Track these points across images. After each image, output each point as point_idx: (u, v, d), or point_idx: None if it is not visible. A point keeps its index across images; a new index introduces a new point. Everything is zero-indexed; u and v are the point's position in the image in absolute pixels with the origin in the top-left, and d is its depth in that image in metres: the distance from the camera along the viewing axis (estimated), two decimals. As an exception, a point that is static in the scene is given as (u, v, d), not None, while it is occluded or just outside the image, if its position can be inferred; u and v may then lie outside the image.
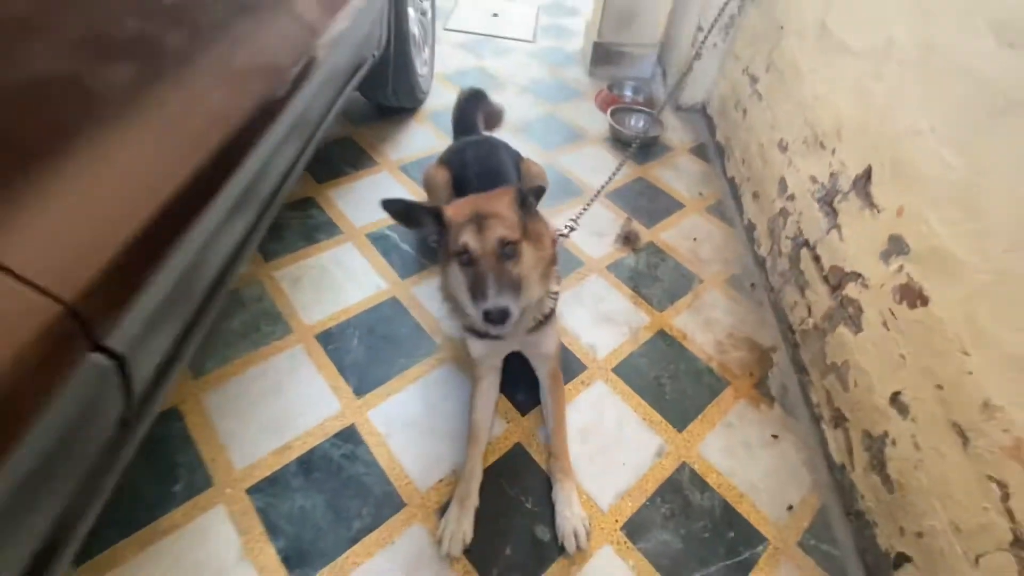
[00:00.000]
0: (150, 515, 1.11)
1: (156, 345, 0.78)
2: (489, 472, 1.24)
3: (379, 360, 1.42)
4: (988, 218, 0.95)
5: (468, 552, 1.11)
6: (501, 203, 1.14)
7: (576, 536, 1.13)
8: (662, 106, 2.07)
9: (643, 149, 2.26)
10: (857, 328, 1.26)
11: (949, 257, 1.02)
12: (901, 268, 1.14)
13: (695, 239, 1.88)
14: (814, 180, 1.51)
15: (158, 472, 1.17)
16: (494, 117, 2.08)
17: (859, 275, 1.27)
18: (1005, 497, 0.87)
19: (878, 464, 1.14)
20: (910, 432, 1.07)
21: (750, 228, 1.86)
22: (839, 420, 1.28)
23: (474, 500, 1.17)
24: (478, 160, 1.65)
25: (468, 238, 1.08)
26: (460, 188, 1.63)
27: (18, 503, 0.53)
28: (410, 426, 1.30)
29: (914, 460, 1.06)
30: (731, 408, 1.41)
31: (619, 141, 2.31)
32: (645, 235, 1.87)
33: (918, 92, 1.17)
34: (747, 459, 1.31)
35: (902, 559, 1.06)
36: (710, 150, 2.31)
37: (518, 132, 2.31)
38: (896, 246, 1.17)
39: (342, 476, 1.20)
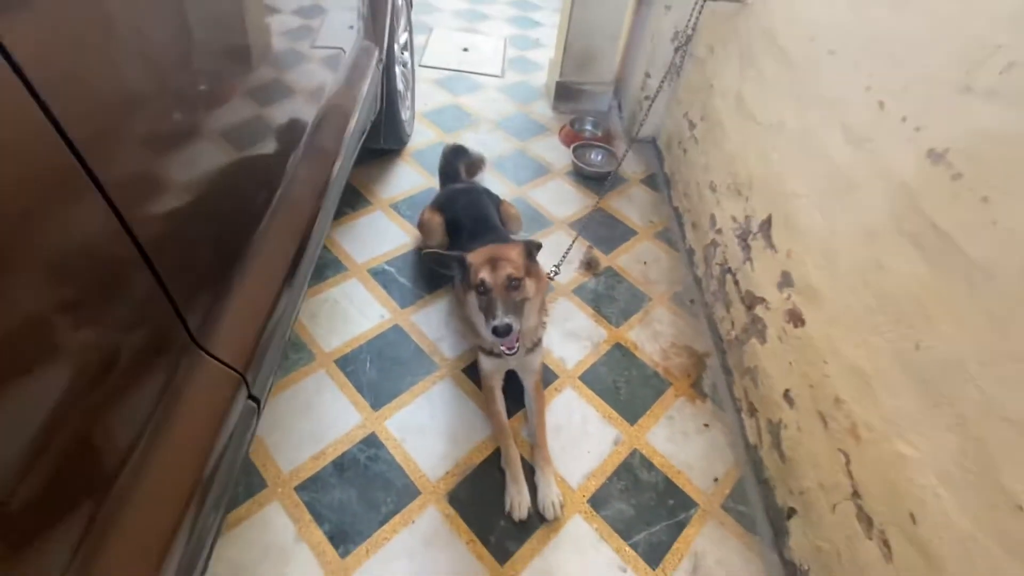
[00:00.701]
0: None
1: (265, 385, 1.10)
2: (484, 464, 1.58)
3: (390, 379, 1.74)
4: (838, 266, 1.34)
5: (472, 524, 1.45)
6: (512, 251, 1.54)
7: (553, 507, 1.49)
8: (621, 159, 2.42)
9: (602, 181, 2.62)
10: (763, 340, 1.64)
11: (816, 291, 1.41)
12: (789, 297, 1.53)
13: (645, 263, 2.25)
14: (735, 219, 1.89)
15: (221, 478, 1.47)
16: (475, 166, 2.44)
17: (764, 299, 1.66)
18: (847, 463, 1.25)
19: (776, 443, 1.53)
20: (795, 419, 1.46)
21: (690, 252, 2.24)
22: (752, 411, 1.67)
23: (521, 475, 1.53)
24: (467, 207, 1.98)
25: (485, 274, 1.48)
26: (452, 230, 1.97)
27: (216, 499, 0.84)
28: (419, 431, 1.63)
29: (797, 439, 1.45)
30: (672, 404, 1.79)
31: (581, 175, 2.66)
32: (604, 260, 2.23)
33: (799, 165, 1.55)
34: (684, 444, 1.69)
35: (791, 512, 1.45)
36: (659, 180, 2.68)
37: (493, 168, 2.64)
38: (786, 280, 1.55)
39: (369, 474, 1.52)
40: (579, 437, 1.67)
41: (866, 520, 1.19)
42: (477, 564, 1.39)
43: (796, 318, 1.49)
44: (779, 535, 1.47)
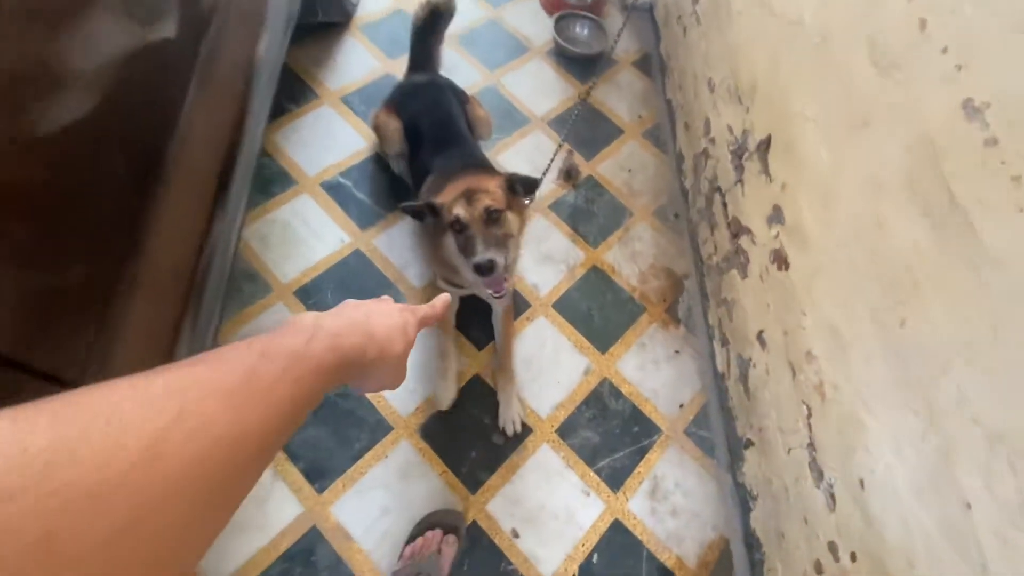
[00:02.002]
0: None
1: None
2: (456, 399, 1.59)
3: (355, 311, 1.67)
4: (835, 213, 1.21)
5: (444, 455, 1.51)
6: (490, 182, 1.39)
7: (513, 424, 1.55)
8: (614, 41, 2.06)
9: (587, 64, 2.28)
10: (744, 274, 1.57)
11: (806, 236, 1.30)
12: (778, 235, 1.42)
13: (630, 170, 2.06)
14: (731, 131, 1.68)
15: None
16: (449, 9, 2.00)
17: (750, 231, 1.54)
18: (809, 416, 1.27)
19: (743, 378, 1.55)
20: (765, 360, 1.45)
21: (679, 158, 2.05)
22: (725, 341, 1.66)
23: (452, 370, 1.56)
24: (427, 109, 1.73)
25: (460, 210, 1.33)
26: (412, 137, 1.74)
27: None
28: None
29: (764, 380, 1.45)
30: (646, 331, 1.77)
31: (563, 56, 2.31)
32: (584, 168, 2.04)
33: (813, 80, 1.32)
34: (654, 372, 1.71)
35: (749, 443, 1.52)
36: (653, 62, 2.35)
37: (461, 44, 2.27)
38: (777, 215, 1.42)
39: (339, 411, 1.54)
40: (550, 368, 1.67)
41: (817, 471, 1.24)
42: (450, 493, 1.47)
43: (781, 260, 1.39)
44: (735, 460, 1.56)
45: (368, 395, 1.57)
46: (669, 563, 1.47)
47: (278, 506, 1.41)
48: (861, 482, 1.10)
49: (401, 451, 1.51)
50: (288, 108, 1.99)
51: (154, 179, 0.97)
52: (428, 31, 1.92)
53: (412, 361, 1.63)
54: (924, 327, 0.97)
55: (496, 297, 1.41)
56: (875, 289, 1.08)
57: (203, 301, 1.19)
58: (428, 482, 1.48)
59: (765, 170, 1.49)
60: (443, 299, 0.68)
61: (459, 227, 1.33)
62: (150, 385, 0.29)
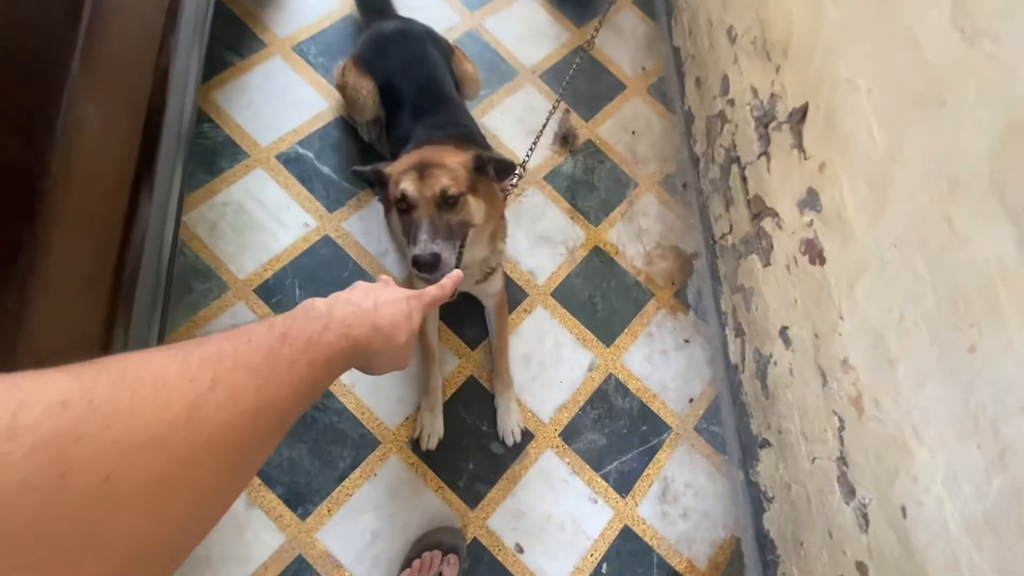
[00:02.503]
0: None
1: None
2: (448, 404, 1.44)
3: (330, 310, 1.47)
4: (889, 208, 1.04)
5: (438, 470, 1.38)
6: (452, 157, 1.14)
7: (512, 434, 1.42)
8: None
9: (583, 4, 1.98)
10: (766, 261, 1.41)
11: (849, 229, 1.13)
12: (811, 223, 1.25)
13: (633, 132, 1.83)
14: (755, 93, 1.46)
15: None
16: None
17: (776, 213, 1.37)
18: (842, 428, 1.16)
19: (761, 375, 1.43)
20: (788, 360, 1.33)
21: (689, 118, 1.82)
22: (740, 331, 1.53)
23: (439, 405, 1.40)
24: (407, 66, 1.45)
25: (408, 185, 1.08)
26: (389, 100, 1.47)
27: None
28: (370, 376, 1.44)
29: (787, 381, 1.34)
30: (652, 319, 1.62)
31: (556, -7, 1.99)
32: (583, 131, 1.80)
33: (868, 41, 1.10)
34: (662, 364, 1.58)
35: (765, 443, 1.42)
36: (657, 2, 2.05)
37: (437, -20, 1.93)
38: (812, 200, 1.25)
39: (318, 426, 1.37)
40: (551, 365, 1.53)
41: (848, 487, 1.15)
42: (448, 510, 1.36)
43: (815, 252, 1.23)
44: (748, 458, 1.47)
45: (349, 405, 1.40)
46: (680, 567, 1.40)
47: (256, 536, 1.27)
48: (903, 510, 1.01)
49: (390, 467, 1.37)
50: (230, 61, 1.66)
51: (40, 158, 0.74)
52: None
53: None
54: (1002, 357, 0.84)
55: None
56: (937, 302, 0.94)
57: (135, 301, 0.97)
58: (422, 500, 1.36)
59: (798, 144, 1.29)
60: (454, 276, 0.70)
61: (404, 206, 1.09)
62: (187, 356, 0.32)
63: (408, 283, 1.51)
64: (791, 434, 1.32)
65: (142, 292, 1.00)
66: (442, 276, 0.96)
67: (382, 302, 0.54)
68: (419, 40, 1.51)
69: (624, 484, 1.45)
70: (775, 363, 1.38)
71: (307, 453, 1.34)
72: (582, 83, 1.86)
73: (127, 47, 0.93)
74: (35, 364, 0.27)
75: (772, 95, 1.39)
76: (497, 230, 1.29)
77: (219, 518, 0.34)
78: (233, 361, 0.34)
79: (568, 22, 1.96)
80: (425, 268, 1.03)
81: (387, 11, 1.65)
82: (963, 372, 0.89)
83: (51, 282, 0.78)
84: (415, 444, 1.39)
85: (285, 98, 1.66)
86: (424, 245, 1.03)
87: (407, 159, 1.15)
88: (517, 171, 1.35)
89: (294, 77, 1.69)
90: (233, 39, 1.69)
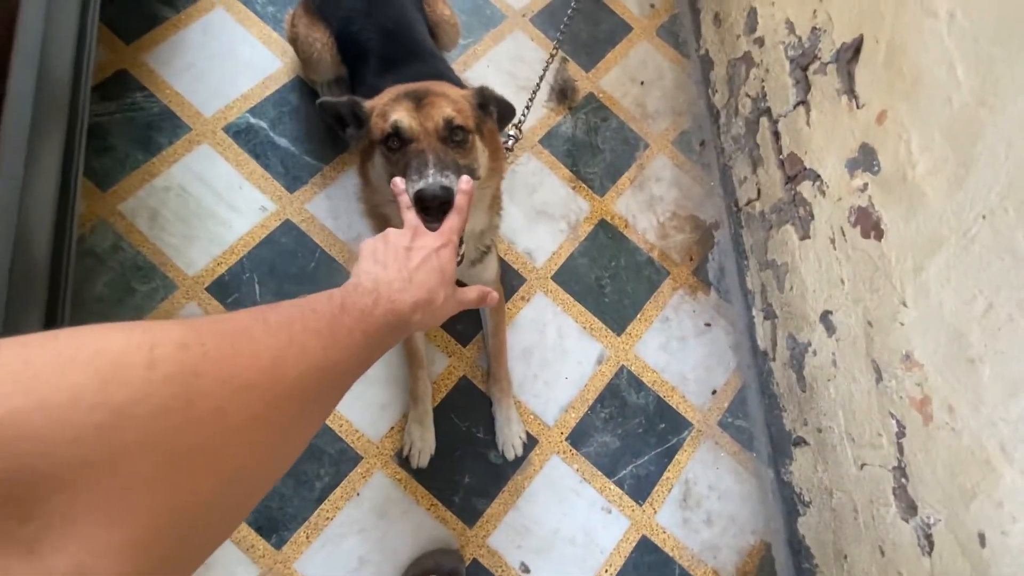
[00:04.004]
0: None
1: None
2: (439, 409, 1.26)
3: (296, 307, 1.27)
4: (978, 170, 0.82)
5: (430, 485, 1.22)
6: (454, 91, 0.94)
7: (513, 448, 1.25)
8: None
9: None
10: (804, 233, 1.20)
11: (919, 196, 0.92)
12: (865, 187, 1.03)
13: (642, 83, 1.57)
14: (791, 28, 1.21)
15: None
16: None
17: (818, 176, 1.15)
18: (901, 435, 0.98)
19: (797, 365, 1.24)
20: (831, 350, 1.14)
21: (706, 64, 1.56)
22: (770, 313, 1.33)
23: (429, 416, 1.23)
24: (370, 11, 1.19)
25: (401, 115, 0.86)
26: (350, 53, 1.23)
27: None
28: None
29: (829, 373, 1.15)
30: (668, 301, 1.42)
31: (547, -83, 1.69)
32: (583, 83, 1.54)
33: (952, -52, 0.85)
34: (680, 352, 1.39)
35: (801, 441, 1.25)
36: (665, -77, 1.75)
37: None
38: (866, 158, 1.02)
39: (292, 442, 1.20)
40: (554, 360, 1.34)
41: (907, 502, 0.97)
42: (443, 530, 1.20)
43: (869, 222, 1.02)
44: (779, 455, 1.31)
45: (327, 420, 1.22)
46: (704, 579, 1.26)
47: (228, 571, 1.12)
48: (981, 537, 0.84)
49: (375, 485, 1.21)
50: (163, 15, 1.40)
51: None
52: None
53: (380, 365, 1.28)
54: None
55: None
56: (1044, 291, 0.74)
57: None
58: (413, 519, 1.20)
59: (848, 90, 1.06)
60: (465, 187, 0.72)
61: (396, 143, 0.86)
62: (266, 318, 0.38)
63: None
64: (833, 434, 1.15)
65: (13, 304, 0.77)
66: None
67: (414, 268, 0.56)
68: (380, -25, 1.25)
69: (641, 490, 1.29)
70: (814, 352, 1.19)
71: (279, 474, 1.18)
72: (581, 26, 1.59)
73: None
74: None
75: (814, 29, 1.14)
76: (495, 197, 1.07)
77: (290, 463, 0.39)
78: (302, 325, 0.39)
79: (562, -48, 1.67)
80: (435, 207, 0.76)
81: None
82: (1079, 381, 0.70)
83: None
84: (403, 458, 1.22)
85: (232, 58, 1.41)
86: (433, 177, 0.79)
87: (394, 89, 0.92)
88: (516, 120, 1.12)
89: (241, 32, 1.43)
90: (163, -16, 1.42)
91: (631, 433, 1.32)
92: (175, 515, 0.28)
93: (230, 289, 1.25)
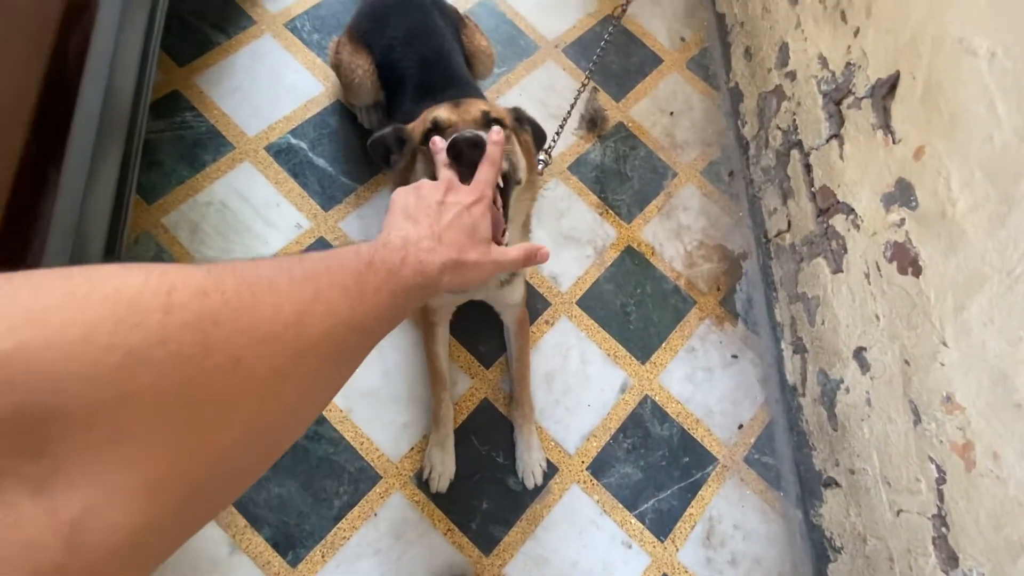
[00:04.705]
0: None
1: None
2: (460, 431, 1.26)
3: (324, 324, 1.29)
4: (1021, 209, 0.80)
5: (448, 509, 1.20)
6: (493, 106, 0.99)
7: (533, 476, 1.23)
8: None
9: (612, -35, 1.73)
10: (837, 267, 1.18)
11: (959, 234, 0.90)
12: (902, 223, 1.01)
13: (671, 113, 1.59)
14: (824, 63, 1.21)
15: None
16: None
17: (852, 209, 1.13)
18: (941, 481, 0.94)
19: (828, 402, 1.21)
20: (865, 388, 1.10)
21: (736, 96, 1.57)
22: (799, 347, 1.30)
23: (451, 439, 1.22)
24: (411, 40, 1.25)
25: (440, 111, 0.92)
26: (390, 80, 1.27)
27: None
28: (370, 396, 1.26)
29: (863, 412, 1.11)
30: (695, 331, 1.40)
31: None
32: (613, 113, 1.56)
33: (991, -13, 0.85)
34: (706, 384, 1.36)
35: (832, 482, 1.20)
36: (697, -40, 1.79)
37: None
38: (903, 194, 1.01)
39: (311, 459, 1.20)
40: (577, 386, 1.32)
41: (948, 553, 0.92)
42: (458, 556, 1.18)
43: (907, 258, 1.00)
44: (808, 496, 1.26)
45: (346, 434, 1.23)
46: (728, 623, 1.21)
47: (242, 586, 1.11)
48: (1032, 596, 0.79)
49: (393, 506, 1.20)
50: (215, 40, 1.48)
51: None
52: None
53: (403, 384, 1.28)
54: None
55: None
56: (1096, 335, 0.71)
57: None
58: (429, 543, 1.18)
59: (884, 124, 1.05)
60: (495, 138, 0.69)
61: (435, 134, 0.87)
62: (291, 269, 0.36)
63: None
64: (867, 476, 1.10)
65: None
66: (496, 214, 0.68)
67: (445, 226, 0.54)
68: (423, 9, 1.30)
69: (663, 526, 1.25)
70: (847, 389, 1.15)
71: (298, 489, 1.18)
72: (612, 58, 1.62)
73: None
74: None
75: (848, 64, 1.14)
76: (529, 213, 1.09)
77: (309, 422, 0.39)
78: (329, 279, 0.38)
79: (594, -16, 1.72)
80: (467, 151, 0.73)
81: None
82: None
83: None
84: (421, 481, 1.21)
85: (276, 82, 1.47)
86: (464, 131, 0.77)
87: (432, 109, 0.96)
88: (546, 145, 1.15)
89: (286, 58, 1.50)
90: (218, 15, 1.50)
91: (654, 465, 1.29)
92: (190, 462, 0.27)
93: (261, 303, 1.28)
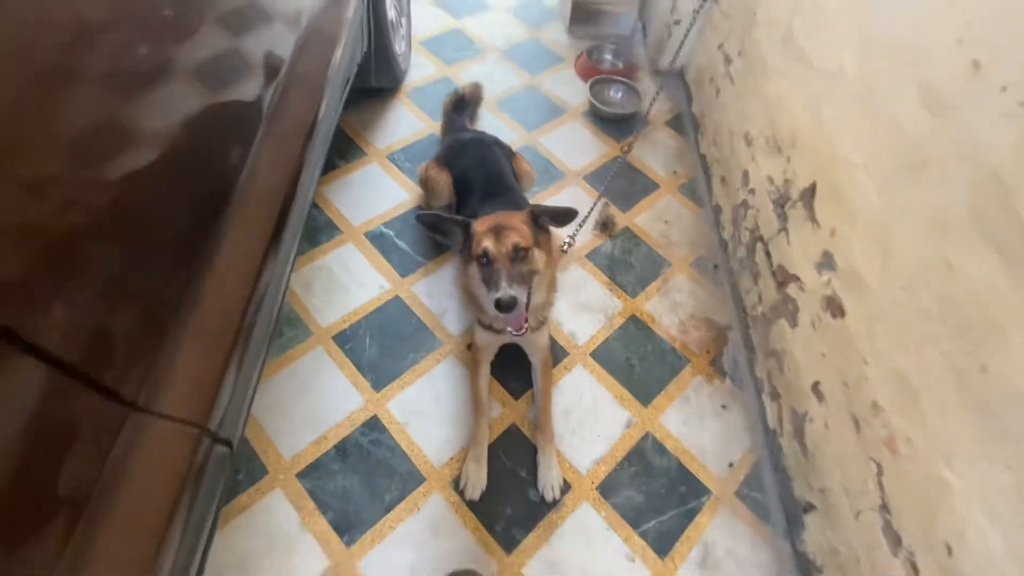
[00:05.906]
0: (224, 498, 1.38)
1: (242, 410, 1.01)
2: (492, 448, 1.52)
3: (391, 357, 1.65)
4: (893, 257, 1.17)
5: (477, 511, 1.43)
6: (517, 219, 1.40)
7: (552, 489, 1.46)
8: (649, 107, 2.12)
9: (622, 123, 2.36)
10: (794, 323, 1.51)
11: (863, 281, 1.25)
12: (829, 282, 1.37)
13: (666, 222, 2.06)
14: (771, 181, 1.68)
15: (221, 464, 1.44)
16: (475, 99, 2.21)
17: (798, 278, 1.50)
18: (880, 473, 1.16)
19: (799, 434, 1.45)
20: (823, 414, 1.36)
21: (717, 211, 2.04)
22: (775, 395, 1.57)
23: (485, 456, 1.49)
24: (477, 163, 1.79)
25: (488, 243, 1.34)
26: (461, 190, 1.78)
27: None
28: (422, 415, 1.56)
29: (824, 436, 1.35)
30: (689, 384, 1.69)
31: (598, 117, 2.39)
32: (621, 220, 2.05)
33: (858, 126, 1.32)
34: (699, 427, 1.62)
35: (809, 507, 1.39)
36: (686, 121, 2.41)
37: (502, 109, 2.38)
38: (828, 261, 1.38)
39: (371, 460, 1.48)
40: (589, 420, 1.60)
41: (893, 537, 1.12)
42: (483, 554, 1.37)
43: (835, 307, 1.34)
44: (793, 526, 1.43)
45: (401, 442, 1.51)
46: (726, 644, 1.31)
47: (305, 560, 1.33)
48: (948, 548, 0.99)
49: (433, 505, 1.43)
50: (338, 164, 2.09)
51: (215, 229, 1.01)
52: (458, 112, 2.14)
53: (449, 407, 1.58)
54: (1009, 371, 0.90)
55: (516, 335, 1.38)
56: (946, 333, 1.02)
57: (251, 342, 1.17)
58: (459, 540, 1.39)
59: (812, 217, 1.46)
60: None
61: (485, 260, 1.35)
62: None
63: (464, 340, 1.69)
64: (834, 492, 1.31)
65: (256, 335, 1.17)
66: (520, 316, 1.30)
67: None
68: (488, 145, 1.88)
69: (663, 545, 1.42)
70: (811, 420, 1.40)
71: (359, 483, 1.44)
72: (620, 183, 2.15)
73: (280, 153, 1.26)
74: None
75: (786, 180, 1.60)
76: (552, 282, 1.49)
77: None
78: None
79: (609, 138, 2.33)
80: (506, 308, 1.27)
81: (463, 128, 2.07)
82: (980, 393, 0.95)
83: (200, 318, 0.92)
84: (458, 488, 1.45)
85: (377, 192, 2.03)
86: (504, 290, 1.27)
87: (486, 220, 1.40)
88: (571, 231, 1.60)
89: (386, 177, 2.08)
90: (342, 148, 2.13)
91: (655, 491, 1.50)
92: None
93: (349, 340, 1.67)
